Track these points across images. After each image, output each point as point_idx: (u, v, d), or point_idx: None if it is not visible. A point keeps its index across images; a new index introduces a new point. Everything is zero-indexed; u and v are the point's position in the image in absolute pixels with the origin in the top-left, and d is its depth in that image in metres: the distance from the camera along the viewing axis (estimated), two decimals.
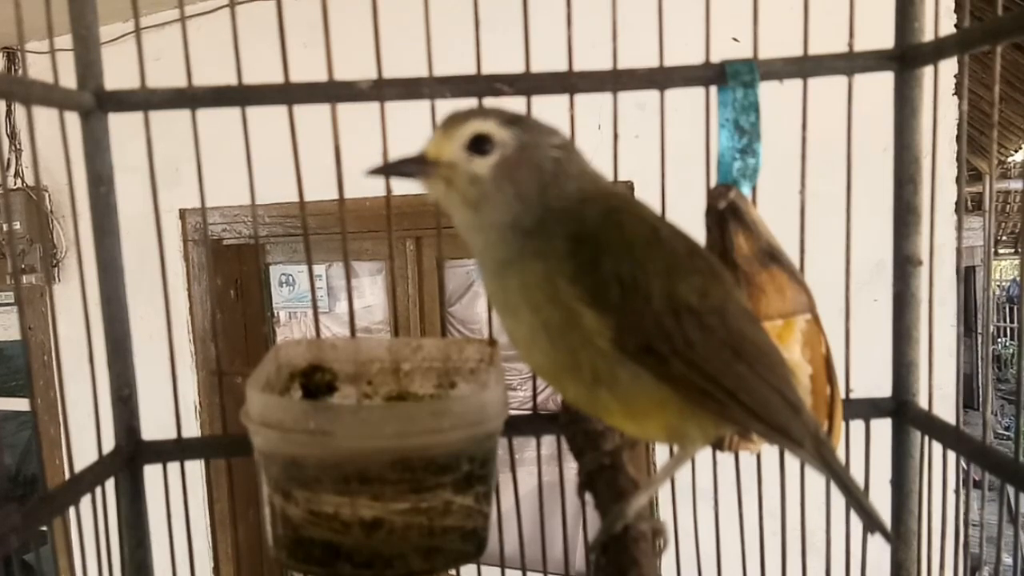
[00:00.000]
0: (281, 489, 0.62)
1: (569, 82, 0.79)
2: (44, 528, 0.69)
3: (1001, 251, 9.18)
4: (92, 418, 0.77)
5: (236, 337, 2.83)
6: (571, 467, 0.78)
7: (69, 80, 0.75)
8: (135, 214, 0.96)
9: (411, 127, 0.71)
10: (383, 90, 0.78)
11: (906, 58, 0.79)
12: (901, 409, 0.84)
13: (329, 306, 3.07)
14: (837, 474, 0.61)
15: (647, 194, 0.73)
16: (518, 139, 0.59)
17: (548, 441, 0.88)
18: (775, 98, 0.83)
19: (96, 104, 0.77)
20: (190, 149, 0.78)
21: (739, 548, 0.86)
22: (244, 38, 0.78)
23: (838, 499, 0.67)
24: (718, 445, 0.73)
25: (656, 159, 0.80)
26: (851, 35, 0.80)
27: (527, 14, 0.80)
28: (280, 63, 0.79)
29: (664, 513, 0.86)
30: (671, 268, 0.58)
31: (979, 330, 7.44)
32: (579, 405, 0.63)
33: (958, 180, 0.76)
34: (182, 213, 2.65)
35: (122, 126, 0.81)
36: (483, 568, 0.83)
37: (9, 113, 2.79)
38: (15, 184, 2.73)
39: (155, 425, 0.84)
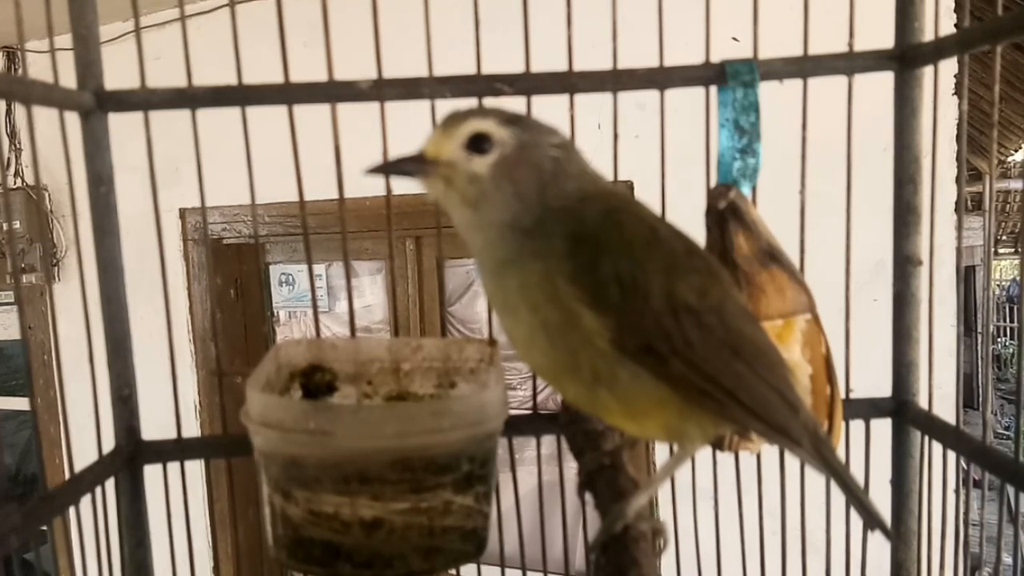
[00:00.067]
0: (281, 489, 0.62)
1: (569, 82, 0.79)
2: (44, 528, 0.69)
3: (1001, 251, 9.18)
4: (92, 418, 0.77)
5: (236, 337, 2.83)
6: (571, 467, 0.78)
7: (69, 79, 0.75)
8: (135, 214, 0.96)
9: (411, 127, 0.71)
10: (383, 90, 0.78)
11: (906, 58, 0.79)
12: (901, 409, 0.84)
13: (329, 305, 3.07)
14: (836, 472, 0.61)
15: (647, 194, 0.73)
16: (517, 138, 0.59)
17: (548, 441, 0.88)
18: (775, 98, 0.83)
19: (96, 104, 0.77)
20: (190, 149, 0.78)
21: (739, 548, 0.86)
22: (244, 38, 0.78)
23: (838, 499, 0.67)
24: (718, 445, 0.73)
25: (656, 159, 0.80)
26: (851, 35, 0.80)
27: (527, 14, 0.80)
28: (280, 63, 0.79)
29: (664, 513, 0.86)
30: (670, 268, 0.58)
31: (979, 330, 7.44)
32: (578, 404, 0.63)
33: (958, 180, 0.76)
34: (182, 212, 2.65)
35: (122, 126, 0.81)
36: (483, 568, 0.83)
37: (9, 112, 2.79)
38: (15, 183, 2.73)
39: (155, 425, 0.84)
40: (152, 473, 0.83)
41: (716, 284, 0.60)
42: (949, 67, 0.79)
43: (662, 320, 0.56)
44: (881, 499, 0.69)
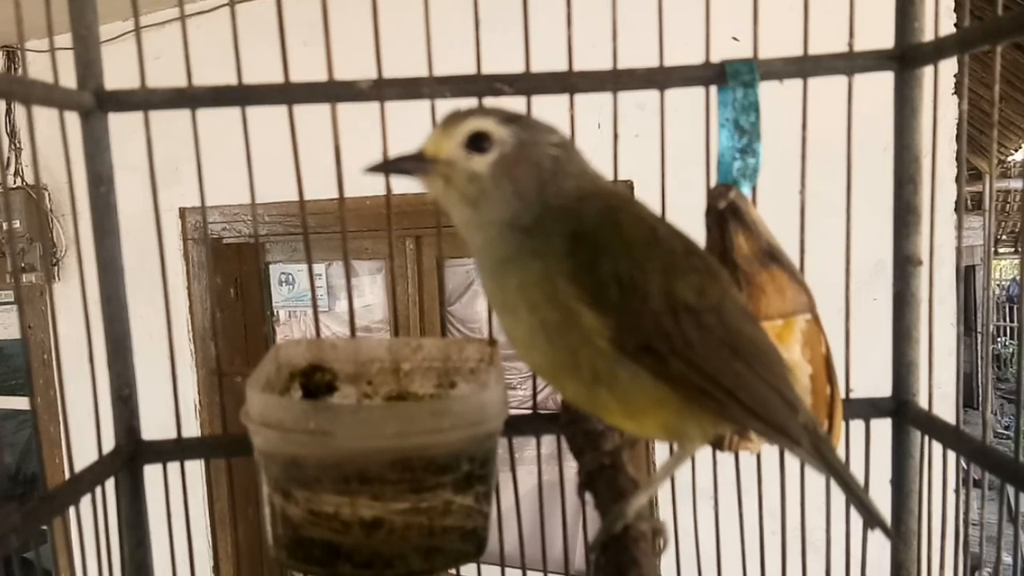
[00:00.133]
0: (281, 489, 0.62)
1: (569, 82, 0.79)
2: (44, 527, 0.69)
3: (1001, 250, 9.18)
4: (92, 417, 0.77)
5: (236, 336, 2.83)
6: (571, 467, 0.78)
7: (69, 79, 0.75)
8: (135, 213, 0.96)
9: (411, 127, 0.71)
10: (383, 90, 0.78)
11: (906, 58, 0.79)
12: (901, 409, 0.84)
13: (329, 305, 3.07)
14: (836, 471, 0.61)
15: (647, 194, 0.73)
16: (517, 137, 0.59)
17: (548, 441, 0.88)
18: (775, 98, 0.83)
19: (96, 104, 0.77)
20: (190, 148, 0.78)
21: (739, 548, 0.86)
22: (244, 37, 0.78)
23: (838, 499, 0.67)
24: (718, 445, 0.73)
25: (656, 159, 0.80)
26: (851, 35, 0.80)
27: (527, 14, 0.80)
28: (280, 63, 0.79)
29: (664, 513, 0.86)
30: (669, 267, 0.58)
31: (979, 329, 7.44)
32: (578, 404, 0.63)
33: (958, 179, 0.76)
34: (182, 212, 2.65)
35: (122, 125, 0.81)
36: (483, 567, 0.83)
37: (9, 112, 2.79)
38: (15, 183, 2.73)
39: (155, 425, 0.84)
40: (152, 473, 0.83)
41: (715, 284, 0.60)
42: (949, 67, 0.79)
43: (661, 319, 0.56)
44: (881, 499, 0.69)
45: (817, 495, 0.80)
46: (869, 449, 0.84)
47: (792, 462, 0.70)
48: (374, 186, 0.75)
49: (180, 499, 0.83)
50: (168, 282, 0.83)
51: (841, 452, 0.74)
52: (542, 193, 0.59)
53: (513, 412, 0.71)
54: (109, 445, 0.80)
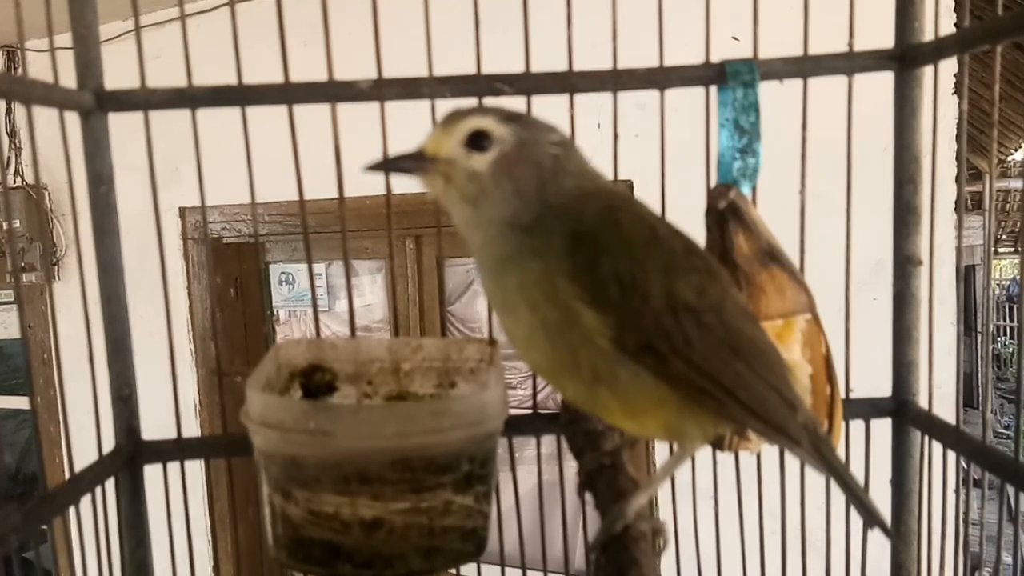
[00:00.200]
0: (281, 489, 0.62)
1: (569, 82, 0.79)
2: (44, 527, 0.69)
3: (1001, 250, 9.17)
4: (92, 417, 0.77)
5: (236, 336, 2.83)
6: (571, 466, 0.78)
7: (69, 78, 0.75)
8: (135, 213, 0.96)
9: (411, 127, 0.71)
10: (383, 90, 0.78)
11: (906, 58, 0.79)
12: (901, 409, 0.84)
13: (329, 305, 3.08)
14: (835, 471, 0.61)
15: (647, 194, 0.72)
16: (517, 135, 0.59)
17: (548, 440, 0.88)
18: (775, 98, 0.83)
19: (96, 104, 0.77)
20: (190, 148, 0.78)
21: (739, 548, 0.86)
22: (244, 37, 0.78)
23: (838, 499, 0.67)
24: (718, 445, 0.73)
25: (656, 159, 0.80)
26: (851, 35, 0.80)
27: (527, 14, 0.80)
28: (280, 63, 0.79)
29: (664, 513, 0.86)
30: (669, 267, 0.58)
31: (979, 329, 7.44)
32: (578, 403, 0.63)
33: (958, 179, 0.76)
34: (182, 212, 2.65)
35: (122, 125, 0.81)
36: (483, 567, 0.83)
37: (9, 111, 2.79)
38: (15, 182, 2.73)
39: (155, 424, 0.84)
40: (152, 473, 0.83)
41: (715, 283, 0.60)
42: (949, 67, 0.79)
43: (662, 319, 0.56)
44: (881, 499, 0.69)
45: (817, 495, 0.80)
46: (869, 449, 0.84)
47: (792, 462, 0.70)
48: (374, 186, 0.74)
49: (180, 499, 0.83)
50: (168, 282, 0.83)
51: (841, 452, 0.74)
52: (542, 192, 0.59)
53: (513, 412, 0.71)
54: (109, 445, 0.80)
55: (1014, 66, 3.24)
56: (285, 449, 0.61)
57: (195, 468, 0.85)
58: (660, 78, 0.79)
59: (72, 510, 0.72)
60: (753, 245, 0.72)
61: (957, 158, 0.77)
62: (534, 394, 0.88)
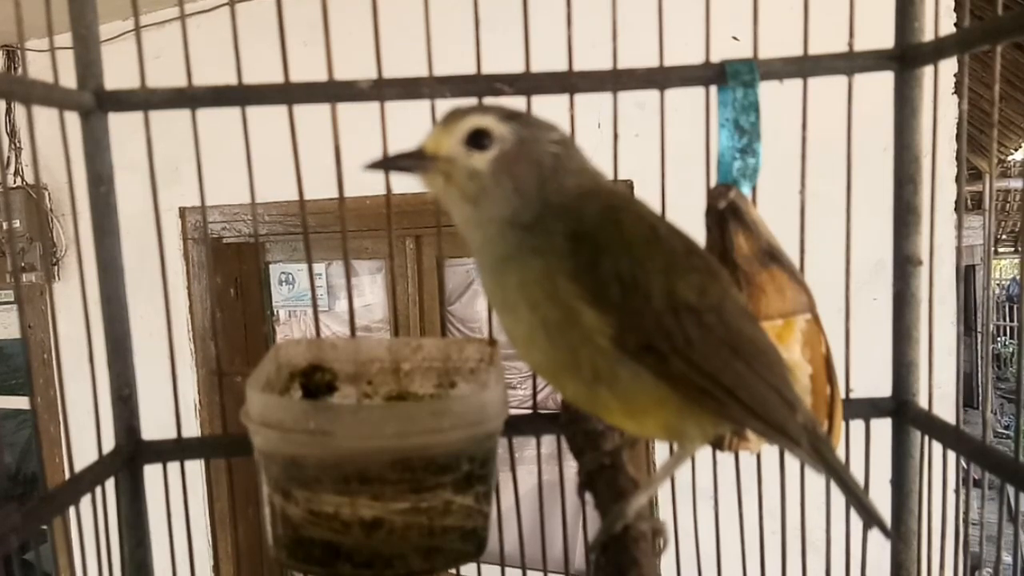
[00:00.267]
0: (281, 489, 0.62)
1: (569, 82, 0.79)
2: (44, 527, 0.69)
3: (1001, 250, 9.17)
4: (92, 417, 0.77)
5: (236, 336, 2.83)
6: (571, 466, 0.78)
7: (69, 78, 0.75)
8: (135, 213, 0.96)
9: (411, 127, 0.71)
10: (383, 90, 0.78)
11: (906, 58, 0.79)
12: (901, 409, 0.84)
13: (329, 305, 3.08)
14: (835, 471, 0.61)
15: (647, 194, 0.72)
16: (517, 134, 0.59)
17: (548, 440, 0.88)
18: (775, 98, 0.83)
19: (96, 104, 0.77)
20: (190, 148, 0.78)
21: (739, 548, 0.86)
22: (244, 37, 0.78)
23: (838, 499, 0.67)
24: (718, 445, 0.73)
25: (656, 159, 0.80)
26: (851, 35, 0.80)
27: (527, 14, 0.80)
28: (280, 63, 0.79)
29: (664, 513, 0.86)
30: (670, 266, 0.58)
31: (979, 329, 7.44)
32: (578, 403, 0.63)
33: (958, 179, 0.76)
34: (182, 212, 2.65)
35: (122, 125, 0.81)
36: (483, 567, 0.83)
37: (9, 111, 2.79)
38: (15, 182, 2.73)
39: (155, 424, 0.84)
40: (152, 473, 0.83)
41: (715, 283, 0.60)
42: (949, 67, 0.79)
43: (663, 319, 0.56)
44: (881, 499, 0.69)
45: (817, 495, 0.80)
46: (869, 449, 0.84)
47: (792, 462, 0.70)
48: (374, 185, 0.74)
49: (180, 499, 0.83)
50: (168, 282, 0.83)
51: (841, 452, 0.74)
52: (542, 190, 0.59)
53: (513, 412, 0.71)
54: (109, 445, 0.80)
55: (1014, 66, 3.24)
56: (285, 449, 0.61)
57: (195, 468, 0.85)
58: (660, 78, 0.79)
59: (72, 510, 0.72)
60: (753, 245, 0.72)
61: (957, 158, 0.77)
62: (534, 394, 0.88)
